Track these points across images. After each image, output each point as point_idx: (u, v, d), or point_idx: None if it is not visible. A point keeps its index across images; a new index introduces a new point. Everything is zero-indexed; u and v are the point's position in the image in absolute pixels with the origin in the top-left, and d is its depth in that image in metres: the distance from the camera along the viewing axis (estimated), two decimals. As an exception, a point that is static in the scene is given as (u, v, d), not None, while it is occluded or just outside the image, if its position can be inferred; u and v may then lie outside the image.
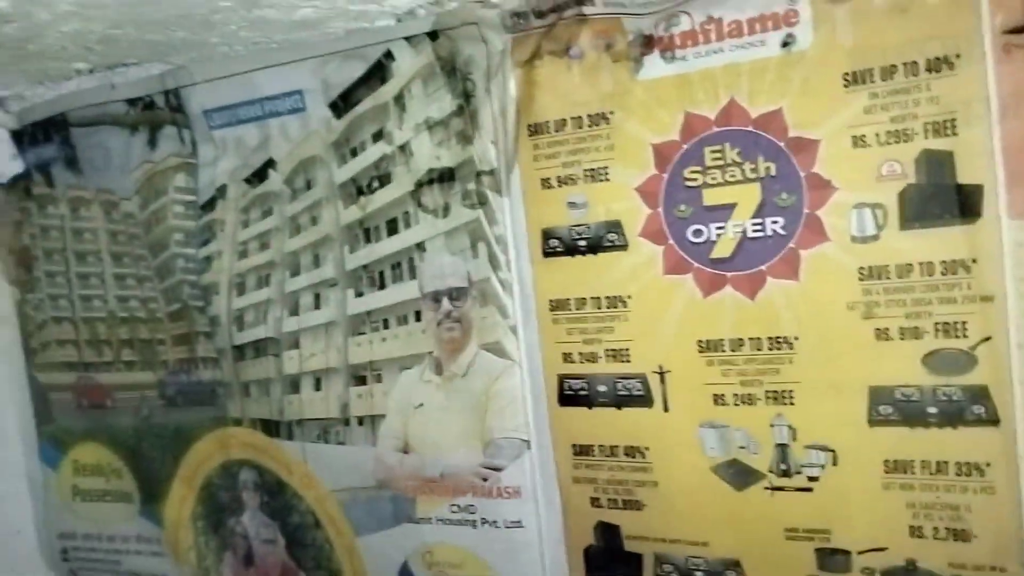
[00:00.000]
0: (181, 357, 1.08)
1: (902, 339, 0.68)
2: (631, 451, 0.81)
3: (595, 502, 0.84)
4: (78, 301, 1.13)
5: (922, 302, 0.67)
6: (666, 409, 0.79)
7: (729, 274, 0.74)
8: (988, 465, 0.67)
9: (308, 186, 0.94)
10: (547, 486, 0.86)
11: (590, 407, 0.82)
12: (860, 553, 0.73)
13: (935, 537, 0.70)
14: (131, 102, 1.01)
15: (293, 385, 0.99)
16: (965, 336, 0.67)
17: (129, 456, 1.15)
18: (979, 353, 0.66)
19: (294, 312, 0.98)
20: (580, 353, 0.82)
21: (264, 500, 1.05)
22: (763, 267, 0.72)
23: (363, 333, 0.94)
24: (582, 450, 0.84)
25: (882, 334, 0.69)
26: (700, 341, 0.76)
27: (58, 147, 1.09)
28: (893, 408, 0.70)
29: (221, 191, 1.00)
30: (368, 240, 0.92)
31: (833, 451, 0.73)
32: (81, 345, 1.15)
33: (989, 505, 0.68)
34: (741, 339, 0.74)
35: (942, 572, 0.70)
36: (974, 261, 0.65)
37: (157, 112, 1.00)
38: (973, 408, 0.67)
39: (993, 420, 0.67)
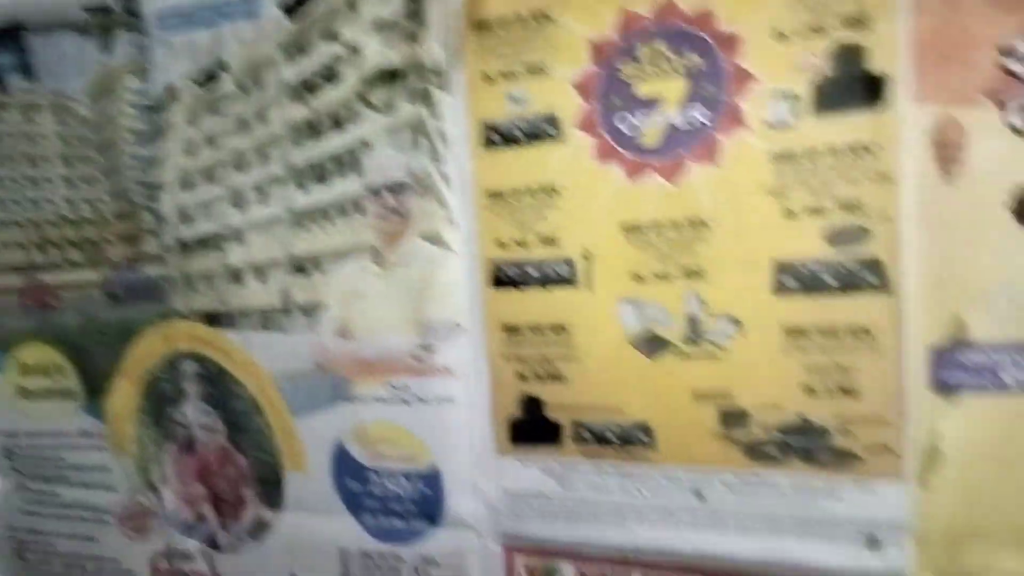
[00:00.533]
0: (127, 255, 0.99)
1: (808, 217, 0.66)
2: (556, 328, 0.78)
3: (521, 377, 0.80)
4: (27, 204, 1.03)
5: (827, 183, 0.65)
6: (590, 289, 0.75)
7: (656, 162, 0.71)
8: (877, 328, 0.66)
9: (258, 86, 0.87)
10: (478, 365, 0.82)
11: (520, 288, 0.78)
12: (757, 411, 0.71)
13: (827, 395, 0.69)
14: (87, 8, 0.91)
15: (236, 277, 0.92)
16: (864, 213, 0.65)
17: (73, 354, 1.06)
18: (875, 228, 0.65)
19: (240, 207, 0.90)
20: (515, 240, 0.78)
21: (207, 390, 0.97)
22: (686, 154, 0.69)
23: (306, 227, 0.87)
24: (511, 329, 0.80)
25: (790, 213, 0.67)
26: (624, 225, 0.73)
27: (12, 54, 0.98)
28: (795, 279, 0.68)
29: (172, 93, 0.92)
30: (314, 137, 0.85)
31: (740, 321, 0.70)
32: (29, 247, 1.04)
33: (875, 364, 0.67)
34: (662, 221, 0.71)
35: (830, 425, 0.69)
36: (878, 144, 0.63)
37: (112, 17, 0.91)
38: (867, 277, 0.66)
39: (883, 288, 0.65)
